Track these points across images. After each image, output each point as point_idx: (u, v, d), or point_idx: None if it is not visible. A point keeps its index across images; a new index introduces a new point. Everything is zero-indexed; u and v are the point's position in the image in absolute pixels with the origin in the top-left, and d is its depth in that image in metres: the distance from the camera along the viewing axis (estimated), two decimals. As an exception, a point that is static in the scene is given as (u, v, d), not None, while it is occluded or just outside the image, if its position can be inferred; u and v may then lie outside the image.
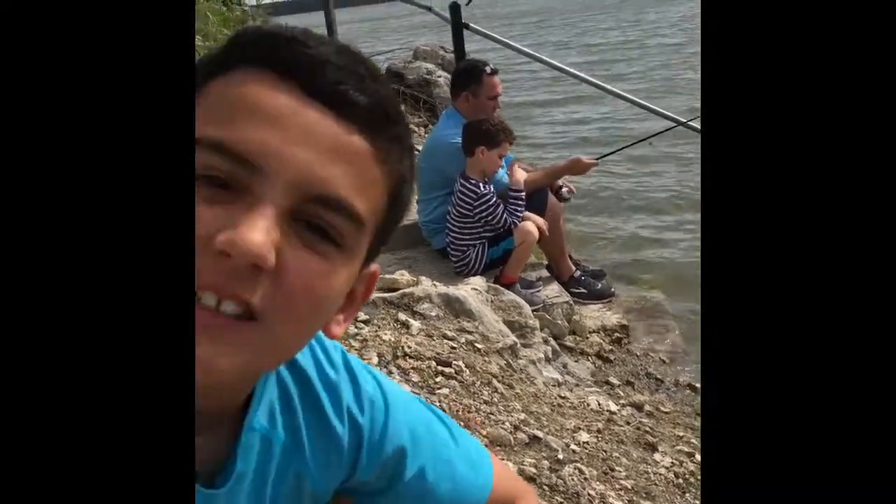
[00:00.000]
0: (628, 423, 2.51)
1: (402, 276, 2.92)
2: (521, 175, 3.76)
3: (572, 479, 1.91)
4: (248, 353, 0.64)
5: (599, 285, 4.21)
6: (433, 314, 2.64)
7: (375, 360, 2.21)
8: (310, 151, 0.62)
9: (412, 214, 4.18)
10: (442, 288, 2.80)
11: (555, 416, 2.33)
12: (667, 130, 5.35)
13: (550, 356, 2.97)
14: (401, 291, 2.73)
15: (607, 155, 4.87)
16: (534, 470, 1.90)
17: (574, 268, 4.20)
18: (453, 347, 2.46)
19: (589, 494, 1.88)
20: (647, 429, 2.51)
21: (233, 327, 0.62)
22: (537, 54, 5.84)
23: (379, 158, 0.66)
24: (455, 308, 2.69)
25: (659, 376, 3.42)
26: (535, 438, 2.06)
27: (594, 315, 3.98)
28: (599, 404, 2.58)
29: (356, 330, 2.41)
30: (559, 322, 3.59)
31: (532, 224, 3.72)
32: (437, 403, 2.05)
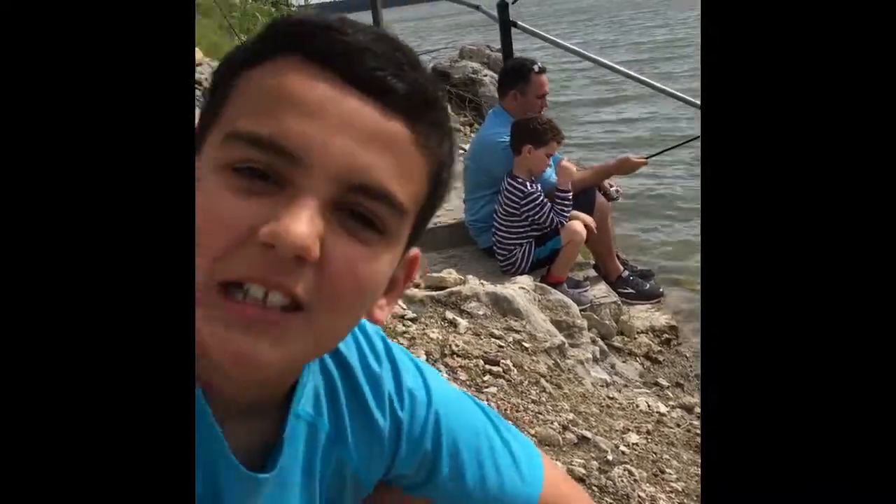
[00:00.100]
0: (678, 426, 2.48)
1: (450, 274, 2.92)
2: (569, 173, 3.72)
3: (622, 481, 1.89)
4: (296, 344, 0.64)
5: (648, 285, 4.16)
6: (480, 313, 2.63)
7: (423, 358, 2.21)
8: (350, 140, 0.62)
9: (458, 213, 4.18)
10: (489, 287, 2.79)
11: (603, 417, 2.31)
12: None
13: (598, 356, 2.94)
14: (448, 290, 2.72)
15: (656, 154, 4.81)
16: (583, 470, 1.89)
17: (622, 268, 4.15)
18: (501, 346, 2.45)
19: (639, 496, 1.86)
20: (698, 431, 2.47)
21: (280, 319, 0.62)
22: (586, 52, 5.80)
23: (419, 144, 0.66)
24: (503, 307, 2.68)
25: (709, 378, 3.36)
26: (583, 439, 2.04)
27: (642, 315, 3.93)
28: (649, 406, 2.55)
29: (404, 328, 2.42)
30: (607, 322, 3.56)
31: (579, 223, 3.69)
32: (485, 402, 2.05)
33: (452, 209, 4.31)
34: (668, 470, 2.08)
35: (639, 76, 5.73)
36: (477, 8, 6.16)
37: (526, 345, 2.53)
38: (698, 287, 4.64)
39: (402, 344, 2.30)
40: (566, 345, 2.70)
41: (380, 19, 5.63)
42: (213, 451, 0.71)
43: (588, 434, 2.07)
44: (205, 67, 5.15)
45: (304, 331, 0.64)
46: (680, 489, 2.00)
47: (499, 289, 2.79)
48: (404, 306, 2.58)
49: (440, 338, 2.37)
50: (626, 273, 4.14)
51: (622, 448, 2.11)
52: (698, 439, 2.39)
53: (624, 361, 3.35)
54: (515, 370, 2.31)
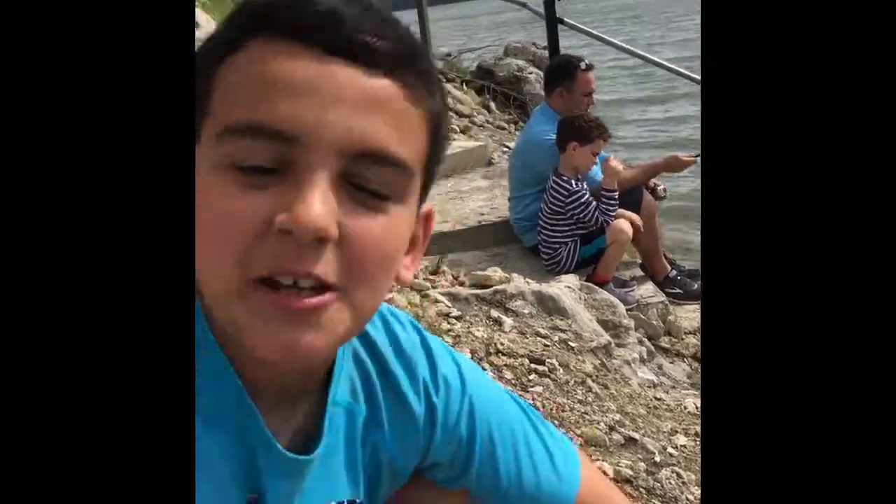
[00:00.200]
0: (727, 428, 2.43)
1: (495, 272, 2.91)
2: (615, 172, 3.68)
3: (670, 483, 1.86)
4: (338, 325, 0.65)
5: (696, 285, 4.09)
6: (526, 311, 2.61)
7: (468, 356, 2.21)
8: (344, 110, 0.62)
9: (503, 211, 4.16)
10: (535, 285, 2.77)
11: (651, 418, 2.27)
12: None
13: (645, 357, 2.90)
14: (493, 288, 2.71)
15: (705, 152, 4.72)
16: (630, 472, 1.86)
17: (669, 267, 4.09)
18: (546, 345, 2.43)
19: (687, 499, 1.83)
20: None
21: (317, 304, 0.62)
22: (634, 49, 5.73)
23: (411, 99, 0.65)
24: (548, 306, 2.66)
25: (758, 381, 3.30)
26: (630, 440, 2.01)
27: (690, 316, 3.87)
28: (697, 407, 2.51)
29: (449, 326, 2.41)
30: (654, 322, 3.51)
31: (625, 222, 3.65)
32: (531, 401, 2.03)
33: (497, 207, 4.30)
34: (716, 473, 2.04)
35: (688, 73, 5.64)
36: (524, 5, 6.13)
37: (572, 344, 2.51)
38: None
39: (446, 342, 2.29)
40: (613, 345, 2.66)
41: (425, 16, 5.64)
42: (254, 438, 0.71)
43: (635, 435, 2.04)
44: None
45: (342, 310, 0.64)
46: (729, 493, 1.96)
47: (544, 287, 2.77)
48: (449, 304, 2.58)
49: (485, 336, 2.36)
50: (674, 273, 4.08)
51: (670, 450, 2.08)
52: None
53: (671, 362, 3.30)
54: (561, 369, 2.29)
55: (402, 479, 0.87)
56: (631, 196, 3.82)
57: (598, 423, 2.06)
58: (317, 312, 0.63)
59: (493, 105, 7.50)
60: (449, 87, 7.27)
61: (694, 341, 3.60)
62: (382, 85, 0.63)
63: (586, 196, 3.60)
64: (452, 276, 3.13)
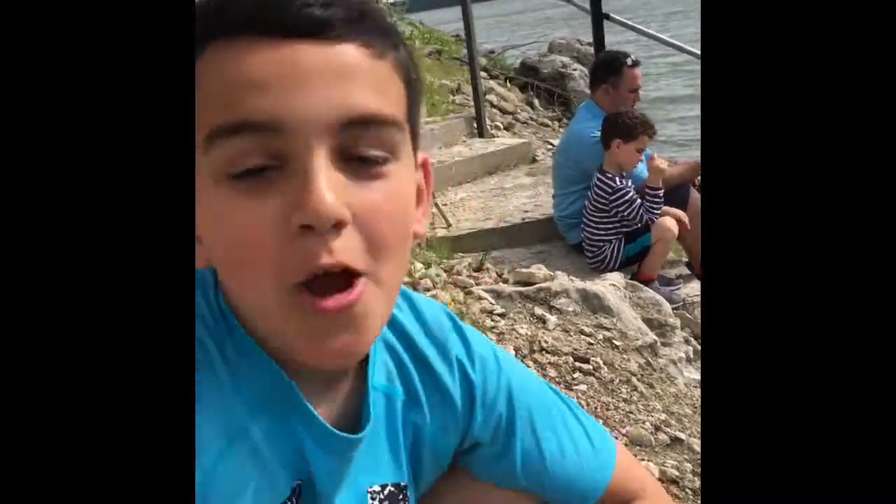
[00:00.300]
0: (775, 430, 2.39)
1: (539, 270, 2.90)
2: (660, 171, 3.63)
3: (716, 485, 1.83)
4: (376, 308, 0.66)
5: (743, 285, 4.02)
6: (570, 309, 2.60)
7: (512, 353, 2.20)
8: (316, 86, 0.62)
9: (547, 209, 4.14)
10: (579, 283, 2.75)
11: (697, 419, 2.24)
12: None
13: (692, 356, 2.86)
14: (537, 286, 2.70)
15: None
16: (676, 472, 1.84)
17: (716, 266, 4.03)
18: (591, 344, 2.41)
19: (734, 502, 1.80)
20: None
21: (353, 296, 0.63)
22: (681, 44, 5.65)
23: (377, 55, 0.66)
24: (593, 304, 2.64)
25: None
26: (676, 440, 1.99)
27: (737, 316, 3.81)
28: (744, 408, 2.47)
29: (492, 323, 2.41)
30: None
31: (671, 220, 3.60)
32: (576, 399, 2.02)
33: (541, 204, 4.28)
34: (765, 475, 2.01)
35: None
36: (569, 1, 6.08)
37: (616, 343, 2.49)
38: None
39: (490, 338, 2.29)
40: (658, 343, 2.63)
41: (469, 13, 5.63)
42: (300, 420, 0.73)
43: (681, 435, 2.01)
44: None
45: (376, 295, 0.66)
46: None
47: (589, 285, 2.75)
48: (493, 301, 2.57)
49: (529, 334, 2.35)
50: (721, 272, 4.02)
51: (716, 451, 2.05)
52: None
53: (717, 362, 3.25)
54: (606, 368, 2.28)
55: (445, 461, 0.88)
56: (677, 193, 3.76)
57: (644, 423, 2.04)
58: (354, 305, 0.64)
59: (536, 102, 7.47)
60: (493, 84, 7.26)
61: (741, 341, 3.54)
62: (345, 50, 0.64)
63: (631, 193, 3.56)
64: (496, 273, 3.12)
